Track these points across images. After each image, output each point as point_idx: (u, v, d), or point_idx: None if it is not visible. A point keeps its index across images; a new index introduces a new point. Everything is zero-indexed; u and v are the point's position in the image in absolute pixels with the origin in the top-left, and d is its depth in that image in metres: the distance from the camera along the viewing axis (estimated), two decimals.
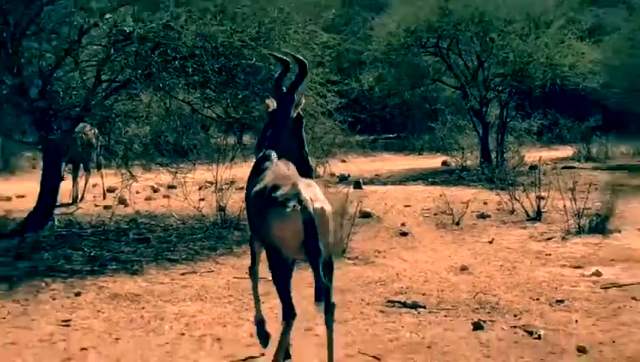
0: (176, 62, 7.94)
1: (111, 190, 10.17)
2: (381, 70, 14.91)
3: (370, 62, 15.30)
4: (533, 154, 13.42)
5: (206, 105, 8.98)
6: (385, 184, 12.00)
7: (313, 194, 3.72)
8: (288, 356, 4.26)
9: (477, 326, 4.67)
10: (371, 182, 12.12)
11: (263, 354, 4.41)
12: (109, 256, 7.39)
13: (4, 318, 5.55)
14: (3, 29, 7.97)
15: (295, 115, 4.44)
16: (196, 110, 8.91)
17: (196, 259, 7.39)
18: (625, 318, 4.98)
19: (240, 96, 8.28)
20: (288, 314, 3.73)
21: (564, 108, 16.32)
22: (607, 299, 5.56)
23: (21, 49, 7.94)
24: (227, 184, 9.39)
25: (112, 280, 6.53)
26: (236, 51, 7.89)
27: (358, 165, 14.44)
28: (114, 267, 7.06)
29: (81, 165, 10.03)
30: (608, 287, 5.87)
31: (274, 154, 4.18)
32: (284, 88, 4.35)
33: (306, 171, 4.48)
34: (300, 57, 4.62)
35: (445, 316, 5.06)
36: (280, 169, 4.05)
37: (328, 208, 3.91)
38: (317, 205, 3.72)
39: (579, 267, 6.67)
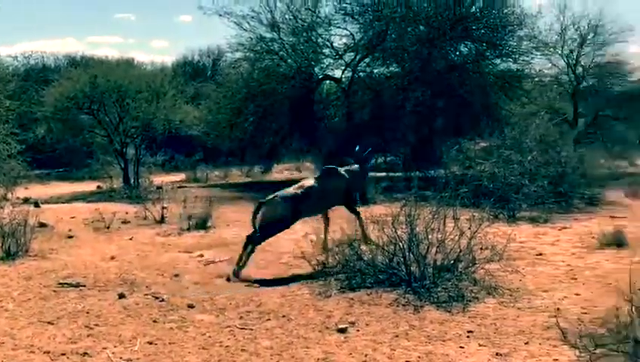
0: None
1: None
2: (52, 125, 17.58)
3: (43, 120, 17.72)
4: (159, 179, 15.97)
5: None
6: (56, 203, 12.54)
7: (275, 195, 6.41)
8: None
9: (121, 296, 5.17)
10: (47, 202, 12.57)
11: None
12: None
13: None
14: None
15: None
16: None
17: None
18: (218, 282, 5.87)
19: None
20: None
21: (178, 148, 21.08)
22: (207, 272, 6.34)
23: None
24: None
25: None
26: None
27: (37, 191, 15.29)
28: None
29: None
30: (208, 263, 6.72)
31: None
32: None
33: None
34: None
35: (99, 291, 5.48)
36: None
37: (268, 201, 6.44)
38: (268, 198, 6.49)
39: (189, 252, 7.34)
